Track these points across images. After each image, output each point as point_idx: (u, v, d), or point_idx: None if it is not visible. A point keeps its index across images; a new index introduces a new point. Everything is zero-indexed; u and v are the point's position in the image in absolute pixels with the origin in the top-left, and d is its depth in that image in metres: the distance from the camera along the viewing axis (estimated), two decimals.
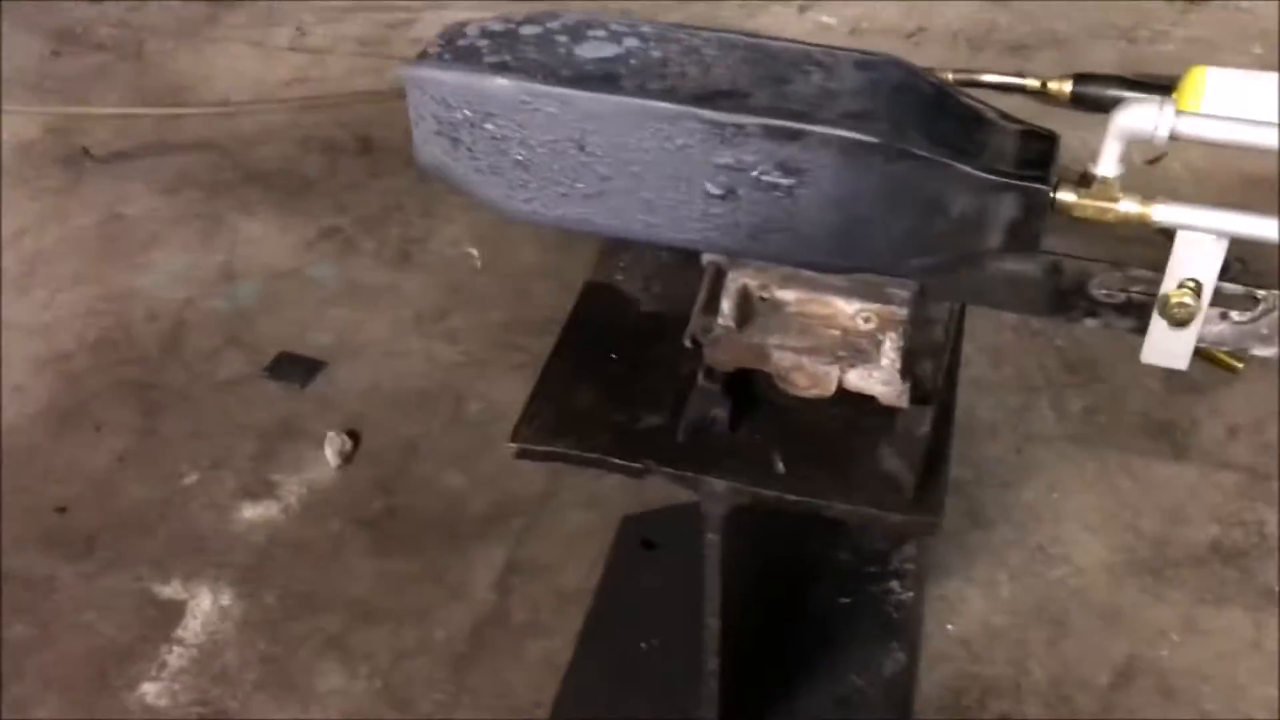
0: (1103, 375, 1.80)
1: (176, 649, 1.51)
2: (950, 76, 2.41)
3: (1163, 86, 2.30)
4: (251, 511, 1.67)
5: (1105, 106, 2.40)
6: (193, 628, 1.53)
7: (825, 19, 2.77)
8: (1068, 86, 2.32)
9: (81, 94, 2.57)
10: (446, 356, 1.90)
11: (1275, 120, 1.89)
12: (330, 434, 1.74)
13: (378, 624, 1.53)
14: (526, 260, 2.08)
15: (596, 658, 1.46)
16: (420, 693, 1.46)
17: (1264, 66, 2.49)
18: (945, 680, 1.44)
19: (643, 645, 1.46)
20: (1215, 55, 2.57)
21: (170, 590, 1.57)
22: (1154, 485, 1.66)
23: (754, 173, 0.87)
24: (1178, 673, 1.44)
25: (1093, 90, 2.31)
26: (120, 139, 2.43)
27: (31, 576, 1.59)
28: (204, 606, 1.55)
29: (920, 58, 2.56)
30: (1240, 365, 1.80)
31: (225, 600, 1.56)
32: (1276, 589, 1.52)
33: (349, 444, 1.75)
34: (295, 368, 1.88)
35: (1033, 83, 2.37)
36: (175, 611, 1.55)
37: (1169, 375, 1.80)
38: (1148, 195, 0.87)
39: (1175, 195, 2.21)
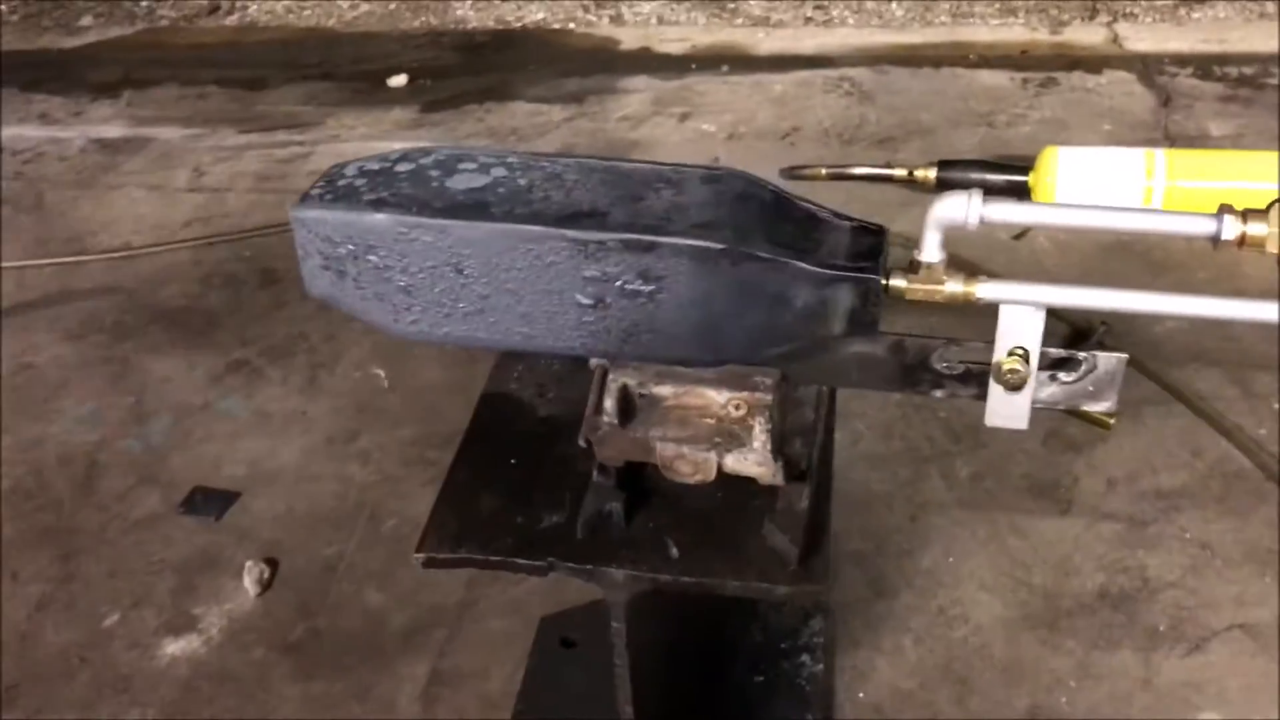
0: (985, 441, 1.90)
1: None
2: (824, 172, 2.55)
3: (1020, 167, 2.46)
4: (174, 646, 1.68)
5: (968, 189, 2.56)
6: None
7: (705, 126, 2.92)
8: (932, 173, 2.47)
9: None
10: (359, 476, 1.95)
11: (1111, 200, 2.05)
12: (248, 563, 1.77)
13: None
14: (432, 377, 2.15)
15: None
16: None
17: (1113, 141, 2.68)
18: None
19: None
20: (1068, 133, 2.76)
21: None
22: (1042, 541, 1.75)
23: (618, 282, 0.95)
24: (1077, 716, 1.51)
25: (956, 174, 2.46)
26: (23, 290, 2.47)
27: None
28: None
29: (795, 156, 2.72)
30: (1111, 421, 1.92)
31: None
32: (1161, 628, 1.61)
33: (267, 571, 1.77)
34: (210, 501, 1.91)
35: (900, 172, 2.52)
36: None
37: (1047, 436, 1.92)
38: (973, 274, 0.97)
39: (1040, 266, 2.36)
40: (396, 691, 1.60)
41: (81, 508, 1.92)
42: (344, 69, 3.38)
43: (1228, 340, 2.06)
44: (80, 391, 2.18)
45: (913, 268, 0.96)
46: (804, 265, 0.93)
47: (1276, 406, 1.94)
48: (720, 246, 0.92)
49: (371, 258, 0.99)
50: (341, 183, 1.02)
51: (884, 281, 0.94)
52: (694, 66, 3.24)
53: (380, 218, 0.97)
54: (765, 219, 0.97)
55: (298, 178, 2.82)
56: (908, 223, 2.37)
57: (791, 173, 2.58)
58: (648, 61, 3.30)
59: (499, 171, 1.01)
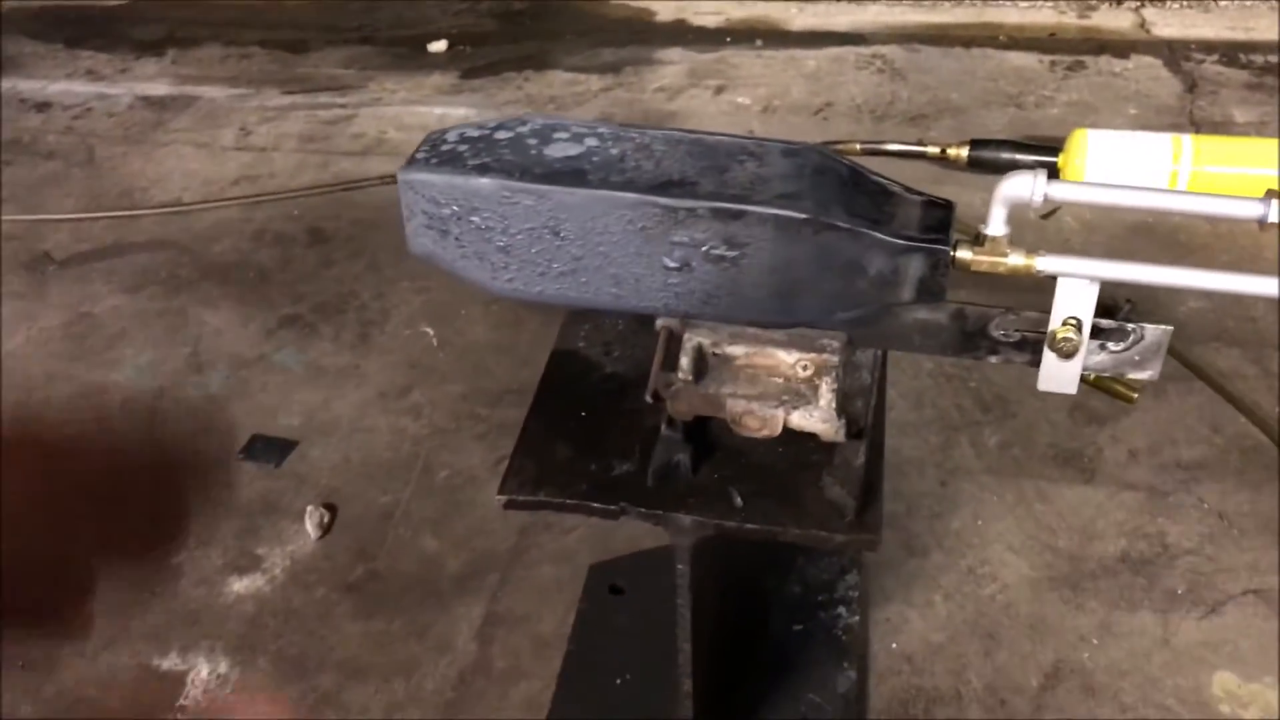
0: (1013, 411, 1.98)
1: (180, 718, 1.61)
2: (859, 147, 2.62)
3: (1050, 148, 2.53)
4: (240, 584, 1.77)
5: (999, 168, 2.65)
6: (194, 696, 1.63)
7: (740, 99, 2.98)
8: (964, 152, 2.54)
9: (37, 201, 2.68)
10: (412, 429, 2.03)
11: (1138, 182, 2.13)
12: (309, 508, 1.86)
13: (368, 680, 1.64)
14: (479, 337, 2.23)
15: (576, 696, 1.58)
16: None
17: (1138, 125, 2.75)
18: (893, 693, 1.59)
19: (617, 681, 1.59)
20: (1095, 116, 2.83)
21: (169, 663, 1.67)
22: (1067, 507, 1.84)
23: (704, 248, 1.03)
24: (1098, 672, 1.60)
25: (987, 154, 2.52)
26: (79, 242, 2.54)
27: (31, 659, 1.68)
28: (203, 675, 1.65)
29: (829, 131, 2.79)
30: (1135, 395, 2.00)
31: (222, 668, 1.66)
32: (1180, 591, 1.70)
33: (327, 516, 1.86)
34: (269, 448, 2.00)
35: (933, 150, 2.58)
36: (176, 681, 1.64)
37: (1073, 408, 2.00)
38: (1035, 249, 1.04)
39: (1066, 245, 2.43)
40: (453, 631, 1.69)
41: (146, 452, 2.01)
42: (384, 33, 3.44)
43: (1247, 321, 2.14)
44: (139, 341, 2.26)
45: (978, 240, 1.03)
46: (879, 235, 1.01)
47: None
48: (803, 216, 1.00)
49: (474, 219, 1.07)
50: (445, 148, 1.09)
51: (952, 253, 1.02)
52: (728, 40, 3.30)
53: (485, 181, 1.04)
54: (843, 191, 1.04)
55: (341, 139, 2.90)
56: None
57: (826, 147, 2.64)
58: (683, 33, 3.36)
59: (591, 141, 1.09)
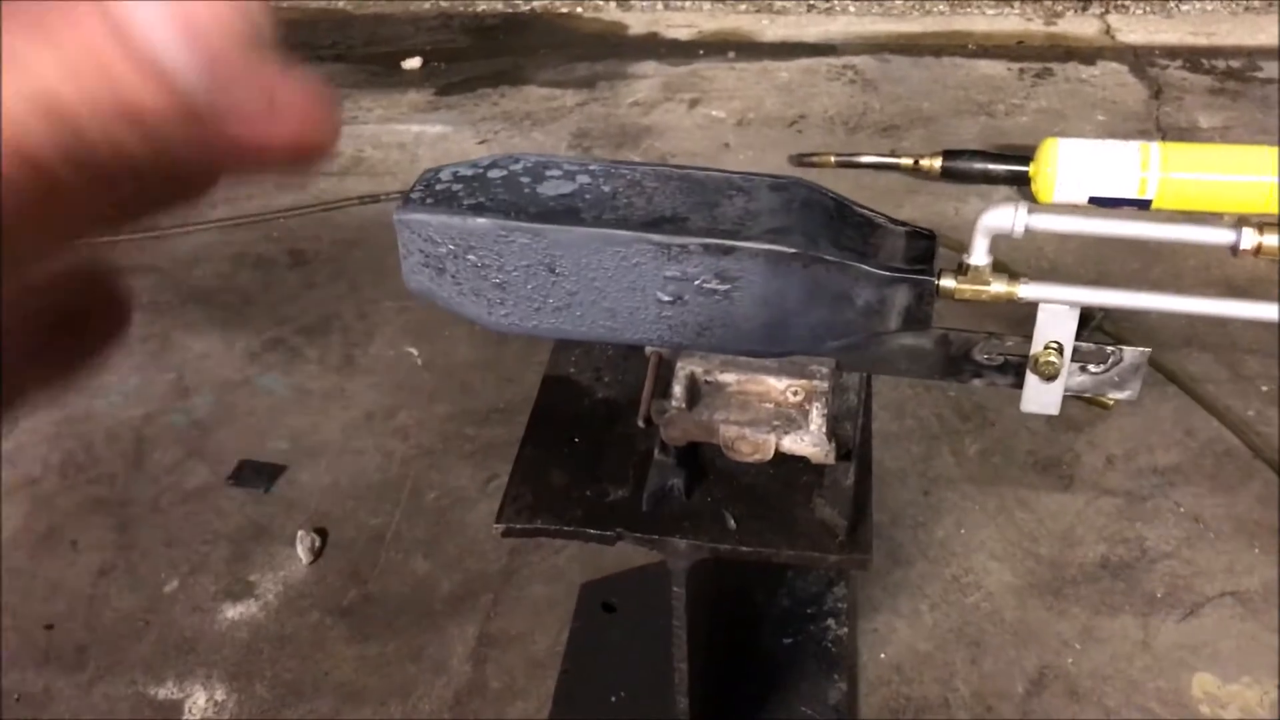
0: (992, 420, 2.02)
1: None
2: (834, 160, 2.66)
3: (1021, 157, 2.57)
4: (233, 611, 1.79)
5: (972, 178, 2.68)
6: None
7: (715, 112, 3.01)
8: (937, 163, 2.58)
9: None
10: (399, 451, 2.05)
11: (1108, 190, 2.16)
12: (300, 533, 1.87)
13: (365, 703, 1.65)
14: (463, 356, 2.25)
15: (572, 714, 1.61)
16: None
17: (1106, 132, 2.80)
18: (882, 702, 1.62)
19: (612, 698, 1.61)
20: (1064, 124, 2.87)
21: (165, 691, 1.68)
22: (1047, 514, 1.88)
23: (697, 281, 1.06)
24: (1082, 676, 1.64)
25: (960, 164, 2.57)
26: None
27: (29, 691, 1.68)
28: (199, 703, 1.66)
29: (804, 143, 2.82)
30: (1111, 403, 2.04)
31: (219, 695, 1.67)
32: (1159, 594, 1.74)
33: (318, 540, 1.88)
34: (257, 474, 2.01)
35: (906, 161, 2.62)
36: (173, 710, 1.65)
37: (1050, 416, 2.03)
38: (1015, 276, 1.08)
39: (1042, 253, 2.47)
40: (448, 652, 1.71)
41: (134, 480, 2.02)
42: (357, 51, 3.45)
43: (1218, 326, 2.19)
44: (123, 367, 2.27)
45: (961, 269, 1.06)
46: (867, 268, 1.04)
47: (1264, 389, 2.07)
48: (793, 251, 1.02)
49: (470, 257, 1.09)
50: (439, 187, 1.11)
51: (936, 283, 1.05)
52: (701, 52, 3.33)
53: (481, 221, 1.06)
54: (829, 225, 1.07)
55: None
56: (915, 209, 2.50)
57: (802, 160, 2.68)
58: (655, 47, 3.39)
59: (584, 179, 1.11)
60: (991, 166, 2.54)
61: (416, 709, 1.64)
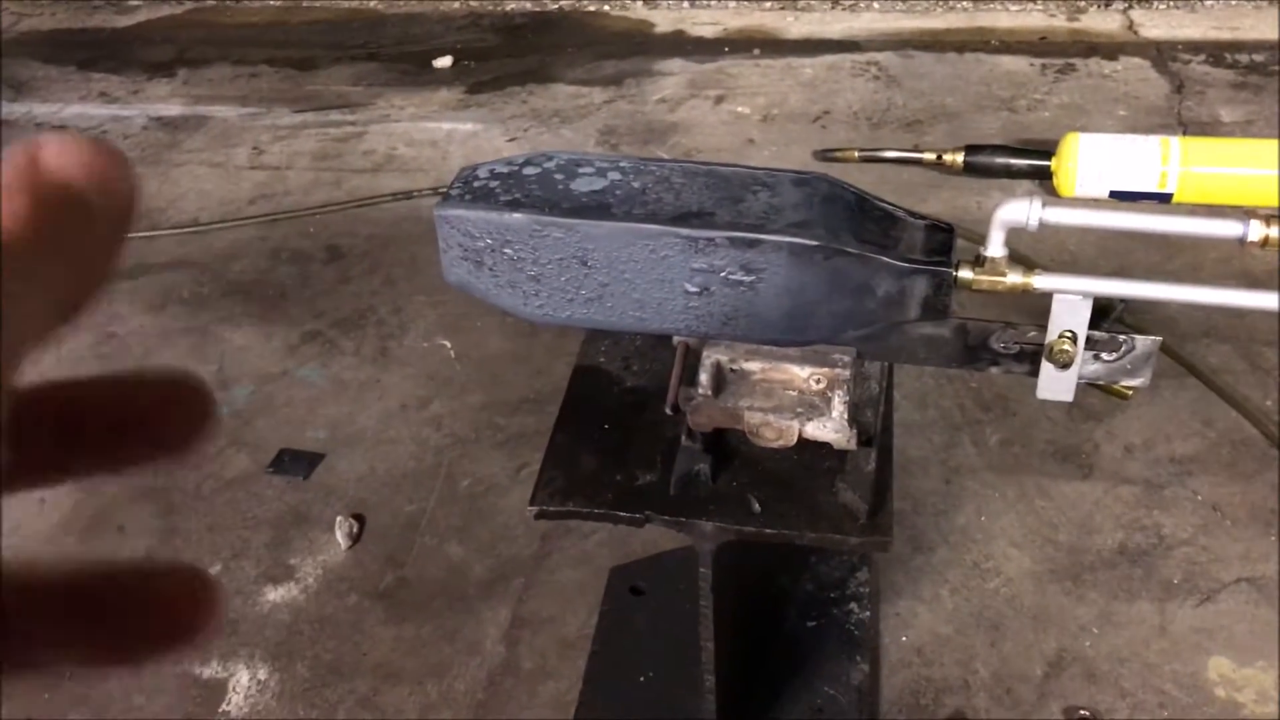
0: (1013, 410, 2.06)
1: None
2: (857, 155, 2.70)
3: (1043, 152, 2.60)
4: (275, 594, 1.85)
5: (994, 173, 2.72)
6: (236, 702, 1.70)
7: (740, 109, 3.05)
8: (960, 157, 2.61)
9: None
10: (434, 440, 2.11)
11: (1129, 185, 2.20)
12: (338, 518, 1.93)
13: (402, 683, 1.71)
14: (495, 348, 2.30)
15: (602, 694, 1.66)
16: None
17: (1128, 126, 2.82)
18: (904, 684, 1.67)
19: (640, 679, 1.66)
20: (1085, 119, 2.90)
21: (210, 671, 1.74)
22: (1066, 502, 1.91)
23: (723, 273, 1.10)
24: (1100, 659, 1.68)
25: (982, 159, 2.60)
26: None
27: (80, 670, 1.75)
28: (243, 682, 1.72)
29: (827, 138, 2.86)
30: (1130, 393, 2.07)
31: (262, 675, 1.73)
32: (1176, 581, 1.78)
33: (356, 526, 1.94)
34: (297, 462, 2.07)
35: (929, 155, 2.66)
36: (218, 689, 1.72)
37: (1070, 405, 2.07)
38: (1031, 267, 1.12)
39: (1062, 245, 2.51)
40: (481, 634, 1.76)
41: (177, 468, 2.08)
42: (389, 50, 3.52)
43: (1236, 317, 2.22)
44: (165, 360, 2.33)
45: (978, 261, 1.11)
46: (887, 259, 1.08)
47: None
48: (815, 243, 1.07)
49: (507, 251, 1.14)
50: (477, 184, 1.17)
51: (954, 274, 1.09)
52: (726, 50, 3.38)
53: (518, 217, 1.12)
54: (851, 218, 1.12)
55: (353, 156, 2.97)
56: (938, 203, 2.54)
57: (825, 155, 2.72)
58: (682, 44, 3.44)
59: (614, 175, 1.16)
60: (1013, 161, 2.57)
61: (452, 688, 1.70)
